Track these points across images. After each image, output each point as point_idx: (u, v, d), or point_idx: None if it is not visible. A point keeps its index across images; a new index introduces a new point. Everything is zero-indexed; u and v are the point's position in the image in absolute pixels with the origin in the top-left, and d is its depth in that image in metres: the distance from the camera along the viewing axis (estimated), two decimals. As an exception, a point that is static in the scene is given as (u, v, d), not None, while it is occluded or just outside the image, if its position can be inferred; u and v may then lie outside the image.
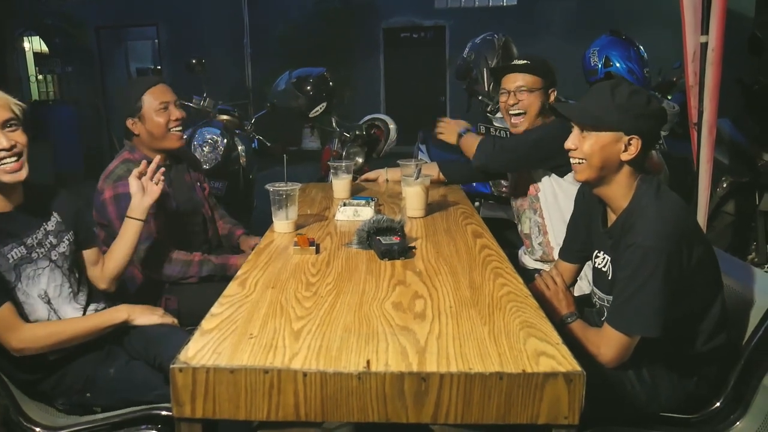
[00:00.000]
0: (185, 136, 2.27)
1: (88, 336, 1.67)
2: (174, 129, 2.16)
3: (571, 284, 1.88)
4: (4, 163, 1.55)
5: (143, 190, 1.89)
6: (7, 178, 1.56)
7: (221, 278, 2.11)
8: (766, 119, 3.63)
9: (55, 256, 1.70)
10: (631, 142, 1.47)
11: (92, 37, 11.45)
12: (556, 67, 2.33)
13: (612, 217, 1.59)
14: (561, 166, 2.14)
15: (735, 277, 1.69)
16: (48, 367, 1.66)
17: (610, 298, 1.58)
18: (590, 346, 1.52)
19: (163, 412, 1.60)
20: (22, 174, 1.58)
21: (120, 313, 1.73)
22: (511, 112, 2.27)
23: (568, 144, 1.56)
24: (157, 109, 2.12)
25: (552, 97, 2.25)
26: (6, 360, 1.59)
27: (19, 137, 1.58)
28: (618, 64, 3.39)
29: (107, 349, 1.76)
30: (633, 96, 1.49)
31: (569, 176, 2.16)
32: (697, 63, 2.65)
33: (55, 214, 1.75)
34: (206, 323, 1.21)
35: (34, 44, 11.54)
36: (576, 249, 1.82)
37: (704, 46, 2.60)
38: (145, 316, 1.76)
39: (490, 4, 10.54)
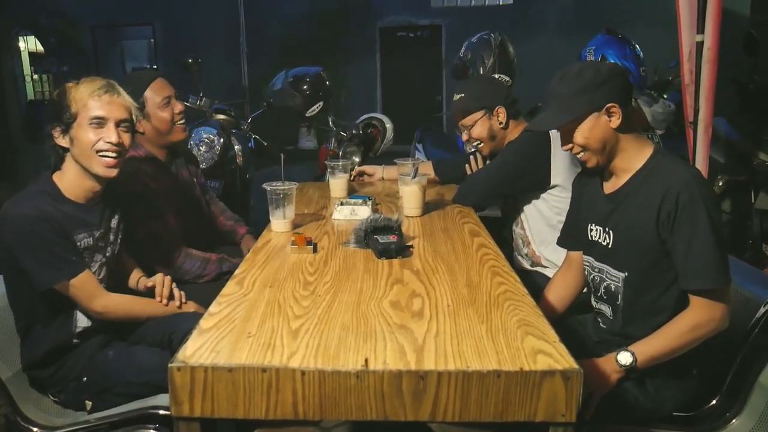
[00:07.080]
0: (187, 129, 2.29)
1: (158, 315, 1.79)
2: (179, 122, 2.17)
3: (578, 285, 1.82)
4: (106, 156, 1.64)
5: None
6: (102, 172, 1.65)
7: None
8: (762, 118, 3.65)
9: (108, 253, 1.78)
10: (610, 110, 1.49)
11: (88, 37, 11.42)
12: (501, 82, 2.31)
13: (613, 185, 1.59)
14: (538, 180, 2.15)
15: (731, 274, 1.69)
16: (51, 354, 1.69)
17: (603, 266, 1.60)
18: (695, 333, 1.43)
19: (161, 412, 1.59)
20: (114, 172, 1.67)
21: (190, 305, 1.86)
22: (472, 144, 2.33)
23: (563, 146, 1.59)
24: (160, 104, 2.12)
25: (501, 116, 2.23)
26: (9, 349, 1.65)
27: (127, 139, 1.69)
28: (614, 63, 3.39)
29: (110, 336, 1.79)
30: (581, 74, 1.51)
31: (552, 190, 2.17)
32: (693, 62, 2.65)
33: (116, 215, 1.83)
34: (204, 322, 1.21)
35: (29, 44, 11.54)
36: (577, 234, 1.79)
37: (700, 45, 2.60)
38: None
39: (486, 3, 10.53)
